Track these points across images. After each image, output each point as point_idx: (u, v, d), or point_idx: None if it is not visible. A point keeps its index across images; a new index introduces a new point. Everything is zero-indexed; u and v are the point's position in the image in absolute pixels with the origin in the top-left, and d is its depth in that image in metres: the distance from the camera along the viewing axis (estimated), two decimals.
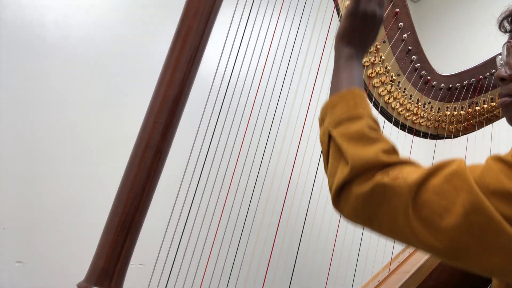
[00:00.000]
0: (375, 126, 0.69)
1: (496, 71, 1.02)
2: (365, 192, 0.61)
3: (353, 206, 0.64)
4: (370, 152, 0.64)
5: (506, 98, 0.77)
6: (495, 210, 0.52)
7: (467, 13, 2.67)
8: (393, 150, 0.66)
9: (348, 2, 1.02)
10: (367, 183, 0.61)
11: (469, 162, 1.19)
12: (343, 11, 1.01)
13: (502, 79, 0.78)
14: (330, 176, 0.69)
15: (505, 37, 0.80)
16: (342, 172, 0.65)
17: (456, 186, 0.56)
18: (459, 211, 0.54)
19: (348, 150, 0.65)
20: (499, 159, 0.57)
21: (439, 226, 0.55)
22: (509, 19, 0.78)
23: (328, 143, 0.71)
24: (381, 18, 0.83)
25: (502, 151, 1.09)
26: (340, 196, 0.66)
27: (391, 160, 0.63)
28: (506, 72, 0.77)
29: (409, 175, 0.59)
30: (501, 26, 0.80)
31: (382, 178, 0.61)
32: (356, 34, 0.83)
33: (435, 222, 0.55)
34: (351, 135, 0.67)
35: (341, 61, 0.82)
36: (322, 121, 0.76)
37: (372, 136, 0.66)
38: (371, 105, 1.07)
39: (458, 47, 2.69)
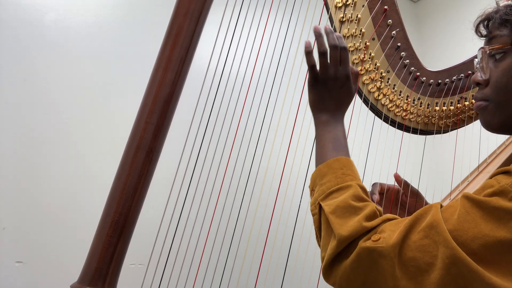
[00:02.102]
0: (361, 194, 0.73)
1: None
2: (353, 259, 0.64)
3: (345, 275, 0.66)
4: (354, 223, 0.67)
5: (482, 102, 0.78)
6: (472, 261, 0.54)
7: (467, 13, 2.66)
8: (374, 214, 0.69)
9: (337, 0, 1.03)
10: (354, 251, 0.64)
11: (458, 157, 1.20)
12: (332, 9, 1.01)
13: (478, 83, 0.79)
14: (323, 249, 0.72)
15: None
16: (331, 245, 0.68)
17: (435, 239, 0.58)
18: (440, 264, 0.56)
19: (334, 223, 0.68)
20: (475, 202, 0.59)
21: (427, 281, 0.57)
22: (485, 23, 0.79)
23: (320, 215, 0.74)
24: (345, 76, 0.86)
25: (491, 146, 1.11)
26: (332, 268, 0.68)
27: (373, 224, 0.66)
28: (481, 76, 0.78)
29: (390, 235, 0.62)
30: (477, 30, 0.81)
31: (365, 243, 0.64)
32: (325, 100, 0.87)
33: (422, 278, 0.57)
34: (337, 207, 0.70)
35: (319, 128, 0.86)
36: (312, 190, 0.80)
37: (356, 205, 0.70)
38: (360, 101, 1.08)
39: (457, 46, 2.68)
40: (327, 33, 0.86)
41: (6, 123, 1.45)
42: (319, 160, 0.83)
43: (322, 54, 0.85)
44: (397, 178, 1.11)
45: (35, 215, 1.45)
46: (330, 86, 0.86)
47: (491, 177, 0.64)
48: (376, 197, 1.06)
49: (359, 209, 0.69)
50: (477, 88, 0.80)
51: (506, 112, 0.74)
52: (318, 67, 0.87)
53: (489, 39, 0.78)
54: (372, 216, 0.69)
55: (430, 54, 2.86)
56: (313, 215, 0.76)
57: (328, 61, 0.86)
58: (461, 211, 0.59)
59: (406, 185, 1.10)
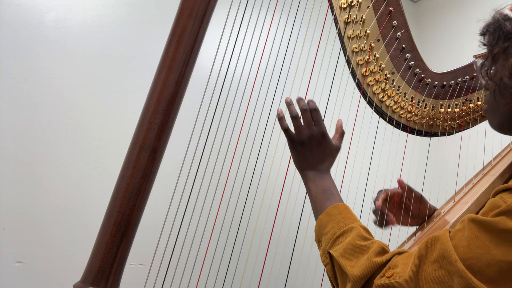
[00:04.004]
0: (364, 234, 0.75)
1: None
2: None
3: None
4: (364, 261, 0.68)
5: (484, 105, 0.83)
6: None
7: (467, 13, 2.67)
8: (382, 250, 0.71)
9: (342, 1, 1.02)
10: None
11: (463, 159, 1.20)
12: (337, 10, 1.01)
13: (486, 88, 0.83)
14: None
15: None
16: None
17: (449, 270, 0.58)
18: None
19: (346, 266, 0.70)
20: (482, 226, 0.59)
21: None
22: (490, 28, 0.81)
23: (332, 264, 0.76)
24: (321, 134, 0.92)
25: (495, 149, 1.10)
26: None
27: (384, 259, 0.67)
28: (484, 82, 0.82)
29: (403, 269, 0.62)
30: (483, 38, 0.83)
31: (379, 280, 0.64)
32: (307, 158, 0.92)
33: None
34: (345, 249, 0.72)
35: (308, 184, 0.92)
36: (319, 242, 0.83)
37: (362, 244, 0.72)
38: (364, 102, 1.08)
39: (457, 46, 2.68)
40: (298, 101, 0.94)
41: (6, 123, 1.45)
42: (317, 212, 0.87)
43: (294, 117, 0.92)
44: (401, 184, 1.12)
45: (35, 215, 1.44)
46: (308, 145, 0.92)
47: (494, 195, 0.65)
48: (378, 203, 1.09)
49: (366, 247, 0.71)
50: (481, 90, 0.83)
51: (499, 114, 0.78)
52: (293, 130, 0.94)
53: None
54: (380, 252, 0.70)
55: (430, 54, 2.86)
56: (325, 265, 0.78)
57: (302, 123, 0.92)
58: (470, 236, 0.59)
59: (410, 190, 1.11)
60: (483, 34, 0.82)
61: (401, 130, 1.10)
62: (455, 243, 0.60)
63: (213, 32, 0.95)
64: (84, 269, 0.71)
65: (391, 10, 1.03)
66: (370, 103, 1.07)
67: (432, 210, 1.10)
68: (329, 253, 0.76)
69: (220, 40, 0.99)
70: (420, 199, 1.10)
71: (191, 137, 0.94)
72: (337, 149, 0.96)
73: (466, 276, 0.55)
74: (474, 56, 0.84)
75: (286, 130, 0.93)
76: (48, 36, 1.59)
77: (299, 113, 0.93)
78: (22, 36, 1.53)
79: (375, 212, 1.11)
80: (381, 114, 1.08)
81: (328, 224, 0.80)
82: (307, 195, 0.96)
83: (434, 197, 1.16)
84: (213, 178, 1.13)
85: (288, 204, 1.24)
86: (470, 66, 1.07)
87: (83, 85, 1.63)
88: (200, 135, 0.94)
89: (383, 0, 1.02)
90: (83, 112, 1.61)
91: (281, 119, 0.93)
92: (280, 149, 1.27)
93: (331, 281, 0.78)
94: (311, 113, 0.92)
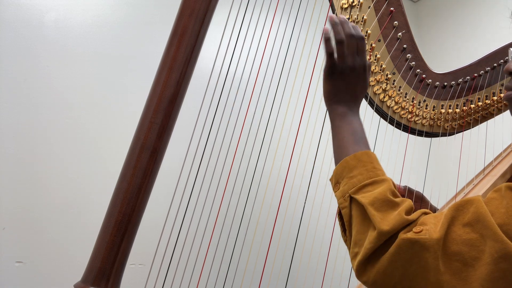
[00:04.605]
0: (394, 189, 0.70)
1: (492, 68, 1.03)
2: (392, 252, 0.61)
3: (382, 269, 0.62)
4: (395, 216, 0.63)
5: (510, 93, 0.76)
6: None
7: (467, 13, 2.67)
8: (412, 209, 0.67)
9: (343, 1, 1.02)
10: (394, 243, 0.61)
11: (464, 160, 1.20)
12: (338, 10, 1.01)
13: (511, 73, 0.78)
14: (356, 244, 0.67)
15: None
16: (370, 238, 0.64)
17: (482, 233, 0.55)
18: (488, 259, 0.53)
19: (374, 216, 0.64)
20: None
21: (472, 276, 0.54)
22: None
23: (350, 208, 0.70)
24: (363, 67, 0.81)
25: (497, 149, 1.10)
26: (367, 263, 0.64)
27: (414, 217, 0.64)
28: None
29: (433, 227, 0.59)
30: None
31: (406, 234, 0.60)
32: (341, 92, 0.82)
33: (468, 273, 0.55)
34: (376, 199, 0.67)
35: (337, 120, 0.81)
36: (337, 183, 0.75)
37: (394, 200, 0.67)
38: (365, 102, 1.08)
39: (457, 47, 2.69)
40: (343, 23, 0.81)
41: (6, 123, 1.45)
42: (341, 153, 0.78)
43: (339, 42, 0.80)
44: (398, 189, 1.10)
45: (35, 215, 1.44)
46: (347, 77, 0.81)
47: None
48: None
49: (397, 204, 0.66)
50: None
51: None
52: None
53: None
54: (410, 211, 0.66)
55: (432, 55, 2.86)
56: (342, 208, 0.72)
57: (346, 50, 0.80)
58: (510, 204, 0.57)
59: (410, 192, 1.10)
60: None
61: (402, 130, 1.10)
62: (492, 209, 0.57)
63: (214, 32, 0.95)
64: (85, 269, 0.71)
65: (392, 11, 1.03)
66: (371, 103, 1.07)
67: (433, 210, 1.10)
68: (351, 198, 0.70)
69: (221, 40, 0.99)
70: (421, 199, 1.10)
71: (192, 137, 0.94)
72: (367, 87, 0.85)
73: (503, 240, 0.53)
74: None
75: (331, 54, 0.81)
76: (48, 36, 1.59)
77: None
78: (22, 36, 1.53)
79: None
80: (382, 114, 1.08)
81: (355, 169, 0.73)
82: (307, 195, 0.96)
83: (435, 198, 1.16)
84: (214, 178, 1.13)
85: (289, 203, 1.24)
86: (471, 66, 1.07)
87: (83, 85, 1.63)
88: (201, 135, 0.94)
89: (384, 0, 1.02)
90: (83, 112, 1.61)
91: (327, 40, 0.80)
92: (281, 148, 1.27)
93: (341, 225, 0.74)
94: (357, 41, 0.80)
